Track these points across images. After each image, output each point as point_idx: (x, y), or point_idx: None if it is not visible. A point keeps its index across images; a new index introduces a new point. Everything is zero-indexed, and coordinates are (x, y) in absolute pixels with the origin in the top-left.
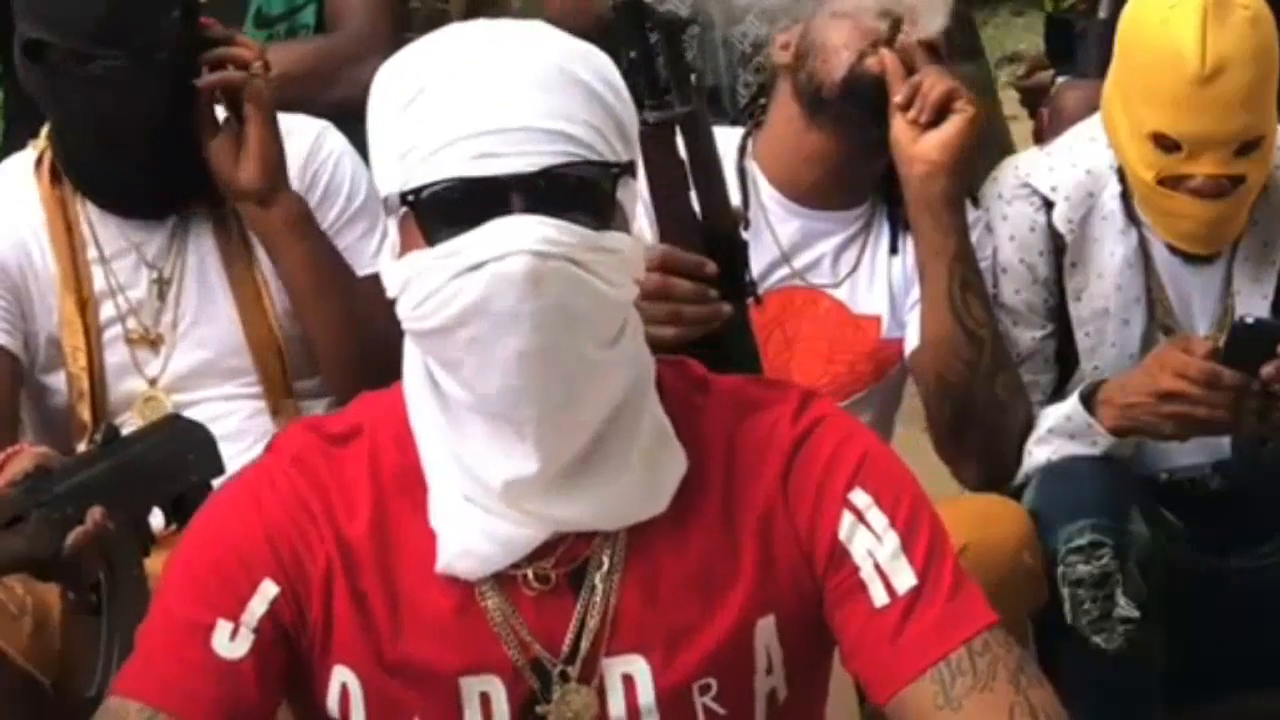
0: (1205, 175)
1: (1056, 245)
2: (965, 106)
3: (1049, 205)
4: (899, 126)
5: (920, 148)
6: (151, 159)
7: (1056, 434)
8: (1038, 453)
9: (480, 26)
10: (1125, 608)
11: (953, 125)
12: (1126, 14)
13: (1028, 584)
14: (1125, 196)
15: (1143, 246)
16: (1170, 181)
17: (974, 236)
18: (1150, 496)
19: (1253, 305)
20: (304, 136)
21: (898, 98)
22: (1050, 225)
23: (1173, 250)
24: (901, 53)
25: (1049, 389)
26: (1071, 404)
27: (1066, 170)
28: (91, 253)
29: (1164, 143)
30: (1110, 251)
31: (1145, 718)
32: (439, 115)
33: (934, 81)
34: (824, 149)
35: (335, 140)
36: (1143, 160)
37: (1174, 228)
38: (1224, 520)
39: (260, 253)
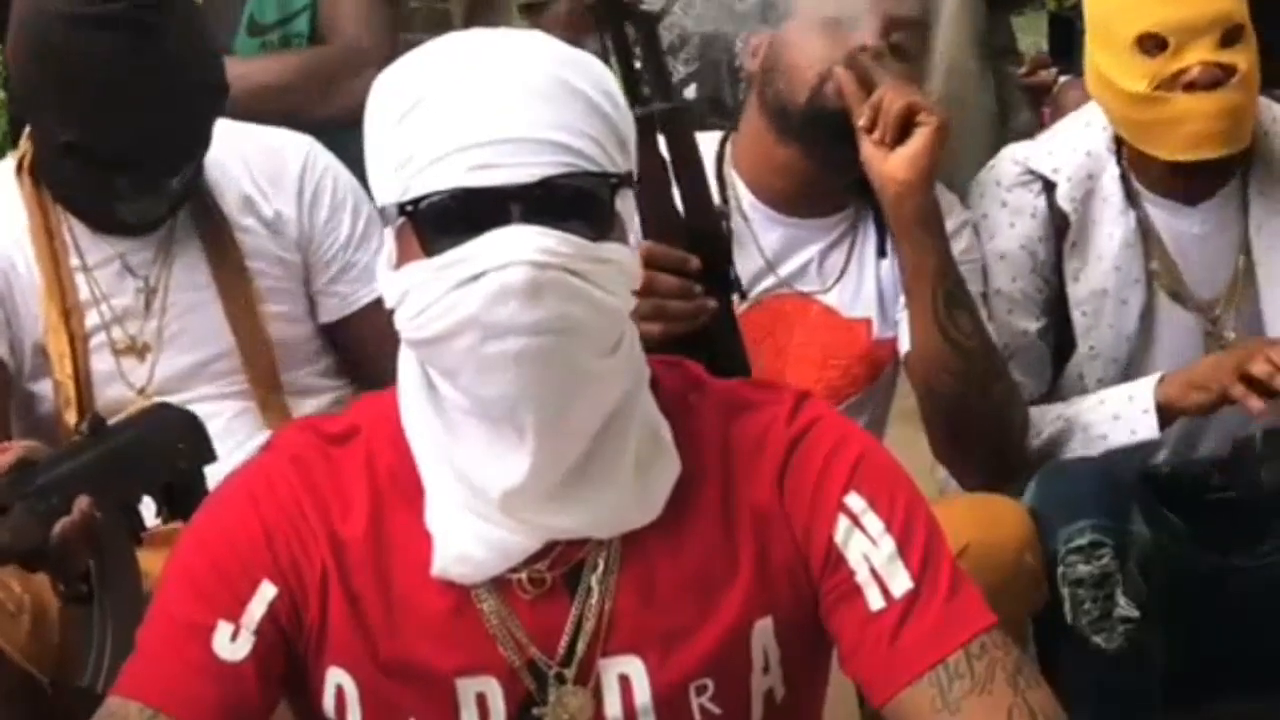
0: (1199, 64)
1: (1057, 228)
2: (928, 118)
3: (1050, 188)
4: (867, 149)
5: (889, 167)
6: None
7: (1108, 403)
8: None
9: (478, 36)
10: (1125, 608)
11: (919, 139)
12: None
13: (1028, 584)
14: (1124, 178)
15: (1141, 226)
16: (1165, 84)
17: (964, 238)
18: (1150, 496)
19: (1265, 276)
20: (296, 152)
21: (861, 121)
22: (1051, 208)
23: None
24: (857, 69)
25: (1040, 390)
26: (1143, 384)
27: (1067, 153)
28: (74, 260)
29: (1150, 44)
30: (1109, 234)
31: (1145, 718)
32: (437, 126)
33: (893, 98)
34: (794, 163)
35: (326, 154)
36: (1132, 74)
37: (1176, 137)
38: (1224, 519)
39: (252, 261)
